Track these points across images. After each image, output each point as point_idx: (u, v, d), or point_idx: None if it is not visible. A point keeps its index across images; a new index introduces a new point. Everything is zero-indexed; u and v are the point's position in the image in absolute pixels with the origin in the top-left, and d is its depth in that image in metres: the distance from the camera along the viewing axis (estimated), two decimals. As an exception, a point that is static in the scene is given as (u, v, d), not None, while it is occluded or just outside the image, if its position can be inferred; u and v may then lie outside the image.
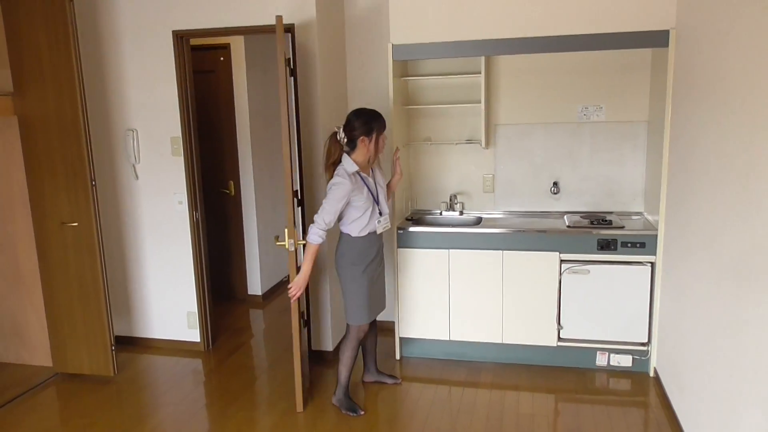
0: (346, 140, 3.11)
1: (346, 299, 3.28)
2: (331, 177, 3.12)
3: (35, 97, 3.50)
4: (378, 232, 3.25)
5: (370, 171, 3.23)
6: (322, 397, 3.53)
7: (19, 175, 3.72)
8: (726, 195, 2.42)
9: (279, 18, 3.09)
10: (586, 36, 3.43)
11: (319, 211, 3.07)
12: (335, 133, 3.15)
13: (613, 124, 3.93)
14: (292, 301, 3.22)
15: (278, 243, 3.26)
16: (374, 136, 3.12)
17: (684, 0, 3.17)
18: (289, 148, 3.17)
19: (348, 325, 3.31)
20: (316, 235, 3.06)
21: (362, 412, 3.31)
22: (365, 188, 3.14)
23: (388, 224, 3.30)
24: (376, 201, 3.21)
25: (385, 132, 3.21)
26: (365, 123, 3.11)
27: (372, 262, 3.25)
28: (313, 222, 3.08)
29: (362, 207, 3.14)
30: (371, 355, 3.62)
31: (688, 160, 3.00)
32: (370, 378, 3.65)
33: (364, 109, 3.20)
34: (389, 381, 3.64)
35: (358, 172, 3.12)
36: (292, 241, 3.20)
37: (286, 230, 3.20)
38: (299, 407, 3.36)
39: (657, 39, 3.36)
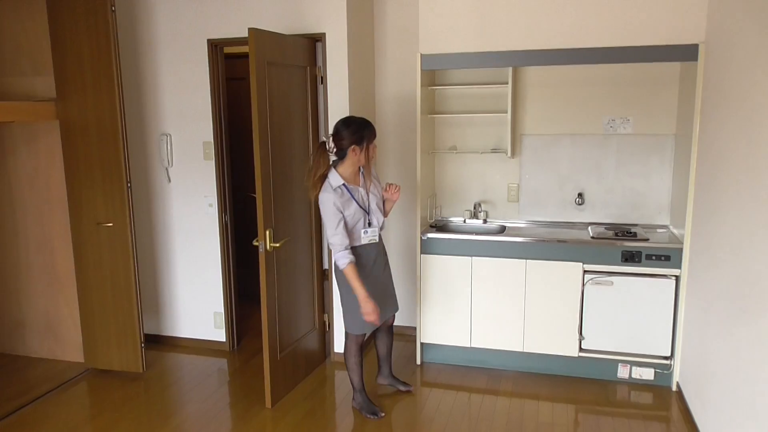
0: (335, 150, 3.09)
1: (343, 309, 3.31)
2: (316, 189, 3.11)
3: (76, 102, 3.64)
4: (362, 243, 3.21)
5: (361, 181, 3.21)
6: (345, 400, 3.59)
7: (59, 176, 3.87)
8: (753, 210, 2.42)
9: (251, 30, 3.15)
10: (615, 49, 3.44)
11: (327, 236, 3.11)
12: (323, 144, 3.11)
13: (640, 137, 3.92)
14: (374, 323, 3.19)
15: (255, 243, 3.36)
16: (365, 144, 3.08)
17: (714, 14, 3.17)
18: (259, 151, 3.22)
19: (346, 333, 3.35)
20: (341, 259, 3.07)
21: (383, 414, 3.36)
22: (353, 201, 3.13)
23: (375, 237, 3.25)
24: (367, 211, 3.21)
25: (375, 140, 3.17)
26: (356, 132, 3.06)
27: (367, 271, 3.23)
28: (332, 249, 3.10)
29: (352, 219, 3.14)
30: (385, 360, 3.63)
31: (716, 174, 2.99)
32: (383, 381, 3.69)
33: (354, 117, 3.16)
34: (402, 387, 3.66)
35: (344, 185, 3.10)
36: (263, 242, 3.31)
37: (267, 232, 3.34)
38: (268, 403, 3.46)
39: (686, 53, 3.35)
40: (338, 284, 3.30)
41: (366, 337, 3.41)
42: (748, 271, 2.43)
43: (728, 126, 2.81)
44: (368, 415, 3.36)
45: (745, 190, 2.53)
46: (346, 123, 3.09)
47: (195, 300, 4.34)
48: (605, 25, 3.45)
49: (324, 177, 3.11)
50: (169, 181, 4.23)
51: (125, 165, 3.65)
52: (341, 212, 3.08)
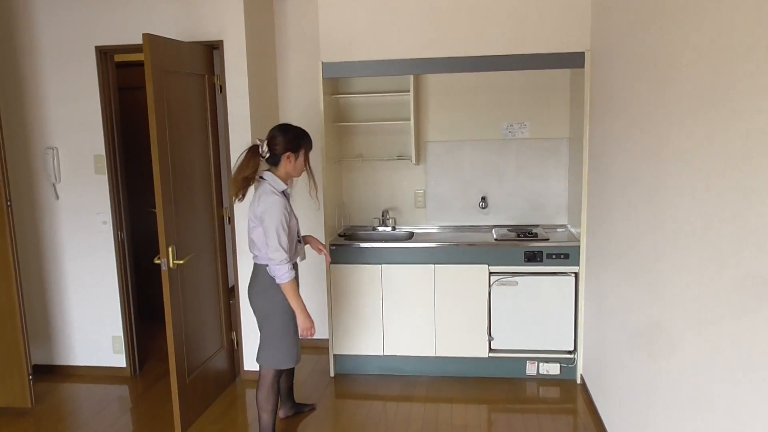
0: (268, 155, 2.90)
1: (268, 340, 2.99)
2: (238, 193, 2.91)
3: (-57, 113, 3.32)
4: (296, 260, 3.02)
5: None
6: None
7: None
8: (635, 207, 2.56)
9: (145, 36, 2.99)
10: (509, 57, 3.58)
11: (270, 245, 2.79)
12: (255, 147, 2.92)
13: (536, 141, 4.09)
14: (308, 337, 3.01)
15: (156, 260, 3.14)
16: (301, 153, 2.94)
17: (597, 24, 3.37)
18: (158, 164, 3.06)
19: (263, 370, 3.02)
20: (285, 273, 2.81)
21: None
22: (292, 211, 2.97)
23: (304, 254, 3.16)
24: (298, 226, 3.05)
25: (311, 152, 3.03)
26: (293, 139, 2.91)
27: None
28: (272, 260, 2.81)
29: (292, 231, 2.92)
30: (289, 394, 3.41)
31: (604, 175, 3.16)
32: (288, 412, 3.44)
33: (291, 125, 3.01)
34: (306, 410, 3.49)
35: (285, 191, 2.92)
36: (165, 260, 3.11)
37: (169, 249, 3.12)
38: (177, 430, 3.22)
39: (574, 60, 3.54)
40: (264, 310, 2.97)
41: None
42: (634, 265, 2.57)
43: (613, 129, 2.97)
44: None
45: (627, 189, 2.67)
46: (283, 129, 2.95)
47: (91, 324, 4.05)
48: (499, 35, 3.57)
49: (247, 179, 2.90)
50: (57, 197, 3.94)
51: (4, 181, 3.35)
52: (288, 220, 2.88)
